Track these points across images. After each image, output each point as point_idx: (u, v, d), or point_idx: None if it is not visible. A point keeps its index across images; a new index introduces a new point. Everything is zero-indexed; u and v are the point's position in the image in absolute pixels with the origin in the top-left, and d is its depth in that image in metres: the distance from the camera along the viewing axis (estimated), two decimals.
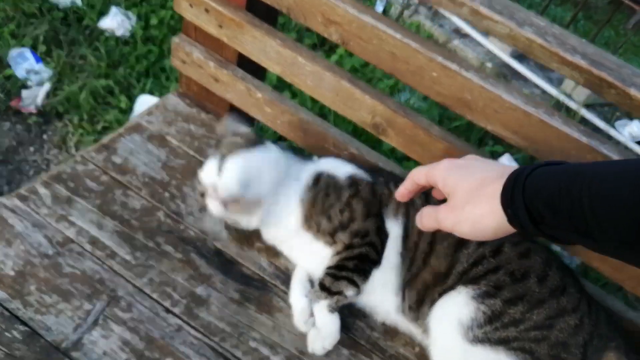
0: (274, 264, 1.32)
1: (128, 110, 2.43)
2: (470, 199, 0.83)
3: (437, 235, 1.19)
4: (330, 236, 1.22)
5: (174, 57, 1.51)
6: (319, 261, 1.24)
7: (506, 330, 1.08)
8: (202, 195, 1.20)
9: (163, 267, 1.26)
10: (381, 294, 1.22)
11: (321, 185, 1.24)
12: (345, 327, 1.26)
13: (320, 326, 1.22)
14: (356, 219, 1.21)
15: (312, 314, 1.24)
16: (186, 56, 1.49)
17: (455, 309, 1.12)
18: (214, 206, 1.16)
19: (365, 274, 1.20)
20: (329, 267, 1.22)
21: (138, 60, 2.66)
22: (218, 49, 1.46)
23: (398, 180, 1.28)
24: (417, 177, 1.00)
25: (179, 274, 1.26)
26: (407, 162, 2.17)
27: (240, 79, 1.45)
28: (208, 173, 1.17)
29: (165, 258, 1.28)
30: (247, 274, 1.30)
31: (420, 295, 1.18)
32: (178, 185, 1.41)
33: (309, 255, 1.26)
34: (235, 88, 1.47)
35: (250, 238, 1.35)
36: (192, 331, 1.19)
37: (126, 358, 1.12)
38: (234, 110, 1.56)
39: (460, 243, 1.17)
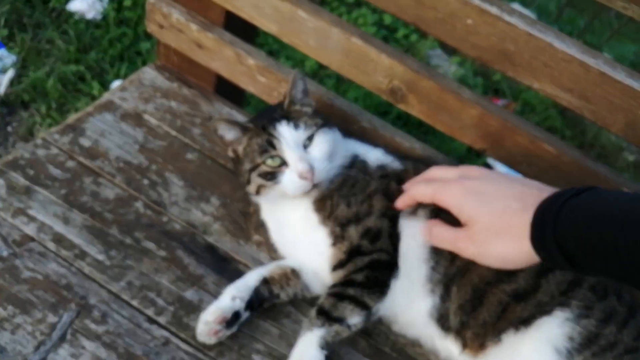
0: (275, 260, 1.11)
1: (101, 97, 2.22)
2: (494, 234, 0.82)
3: None
4: (340, 227, 1.02)
5: (150, 20, 1.29)
6: (312, 255, 1.05)
7: (603, 356, 0.92)
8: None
9: (144, 268, 1.05)
10: (404, 299, 1.02)
11: (355, 169, 1.07)
12: (365, 333, 1.05)
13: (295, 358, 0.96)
14: (373, 214, 1.03)
15: (228, 325, 0.98)
16: (164, 19, 1.27)
17: (548, 332, 0.94)
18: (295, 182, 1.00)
19: (381, 288, 0.99)
20: (332, 286, 1.00)
21: (111, 44, 2.45)
22: (201, 9, 1.24)
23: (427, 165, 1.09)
24: (419, 197, 0.95)
25: (164, 276, 1.05)
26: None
27: (228, 43, 1.23)
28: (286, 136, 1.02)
29: (146, 257, 1.07)
30: (244, 272, 1.08)
31: (478, 292, 0.98)
32: (159, 171, 1.19)
33: (305, 243, 1.06)
34: (222, 54, 1.25)
35: (247, 230, 1.14)
36: (182, 345, 0.98)
37: None
38: (221, 83, 1.35)
39: None
